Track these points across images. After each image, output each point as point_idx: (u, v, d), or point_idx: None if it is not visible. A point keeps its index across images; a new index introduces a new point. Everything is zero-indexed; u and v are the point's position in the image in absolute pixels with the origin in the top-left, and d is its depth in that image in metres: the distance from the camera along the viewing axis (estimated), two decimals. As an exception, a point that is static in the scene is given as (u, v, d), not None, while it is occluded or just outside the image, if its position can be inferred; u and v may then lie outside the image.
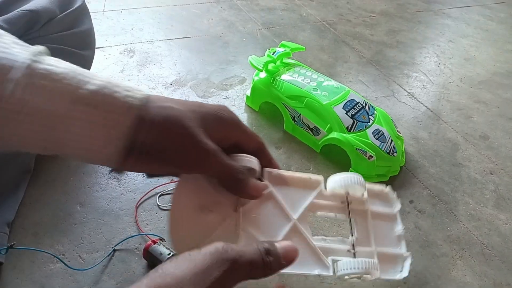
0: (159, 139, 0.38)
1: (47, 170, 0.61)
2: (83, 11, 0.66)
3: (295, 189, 0.43)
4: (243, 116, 0.78)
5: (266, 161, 0.45)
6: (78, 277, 0.50)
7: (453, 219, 0.64)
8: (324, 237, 0.41)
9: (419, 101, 0.89)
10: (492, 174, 0.72)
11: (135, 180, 0.62)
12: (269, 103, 0.76)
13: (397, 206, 0.43)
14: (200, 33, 1.03)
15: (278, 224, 0.41)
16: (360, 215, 0.41)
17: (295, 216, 0.41)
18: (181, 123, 0.39)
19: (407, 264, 0.39)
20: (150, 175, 0.44)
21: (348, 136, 0.67)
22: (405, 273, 0.39)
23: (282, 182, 0.44)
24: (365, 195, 0.42)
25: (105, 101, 0.35)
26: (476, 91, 0.95)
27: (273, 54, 0.75)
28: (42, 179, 0.60)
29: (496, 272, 0.56)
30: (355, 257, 0.39)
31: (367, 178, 0.67)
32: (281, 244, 0.34)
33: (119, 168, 0.39)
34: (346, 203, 0.42)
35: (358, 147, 0.65)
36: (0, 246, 0.49)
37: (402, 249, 0.40)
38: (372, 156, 0.65)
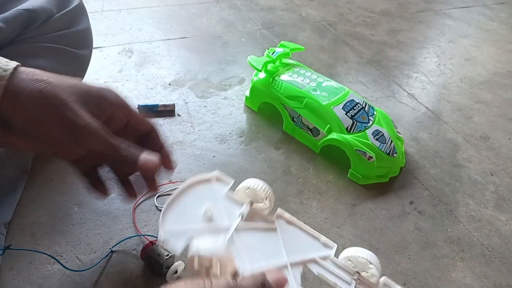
0: (28, 112, 0.35)
1: (44, 170, 0.61)
2: (81, 11, 0.66)
3: (304, 238, 0.44)
4: (242, 117, 0.78)
5: (157, 145, 0.45)
6: (75, 278, 0.49)
7: (454, 220, 0.63)
8: None
9: (419, 102, 0.88)
10: (492, 175, 0.72)
11: (133, 181, 0.61)
12: (268, 104, 0.76)
13: None
14: (199, 33, 1.02)
15: (269, 258, 0.42)
16: None
17: (289, 259, 0.42)
18: (56, 97, 0.36)
19: None
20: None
21: (348, 136, 0.66)
22: None
23: (291, 223, 0.45)
24: (376, 278, 0.42)
25: None
26: (477, 91, 0.94)
27: (272, 54, 0.75)
28: (39, 179, 0.60)
29: (497, 273, 0.56)
30: None
31: (367, 179, 0.67)
32: (272, 275, 0.33)
33: None
34: (356, 280, 0.42)
35: (357, 148, 0.65)
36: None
37: None
38: (372, 157, 0.65)
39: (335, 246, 0.44)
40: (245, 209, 0.45)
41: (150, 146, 0.44)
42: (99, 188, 0.46)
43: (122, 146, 0.40)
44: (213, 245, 0.38)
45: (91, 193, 0.47)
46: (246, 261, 0.41)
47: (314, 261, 0.43)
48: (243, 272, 0.38)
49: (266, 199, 0.46)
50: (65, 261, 0.51)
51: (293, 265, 0.42)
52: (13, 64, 0.36)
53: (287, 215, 0.46)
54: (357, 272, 0.42)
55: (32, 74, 0.37)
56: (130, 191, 0.47)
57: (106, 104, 0.41)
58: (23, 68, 0.36)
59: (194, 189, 0.46)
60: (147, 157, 0.41)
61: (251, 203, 0.46)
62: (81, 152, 0.40)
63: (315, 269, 0.43)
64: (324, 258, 0.43)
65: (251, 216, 0.45)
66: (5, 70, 0.35)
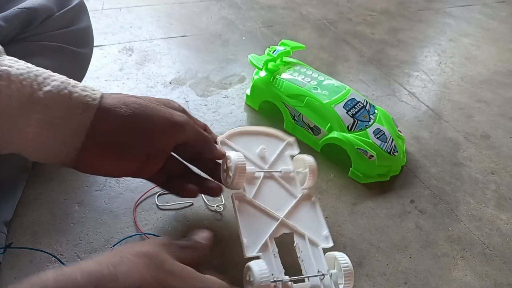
0: (121, 119, 0.39)
1: (45, 169, 0.61)
2: (81, 9, 0.65)
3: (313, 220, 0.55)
4: (243, 115, 0.78)
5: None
6: (76, 277, 0.49)
7: (454, 219, 0.63)
8: None
9: (420, 100, 0.88)
10: (493, 174, 0.72)
11: (134, 180, 0.61)
12: (269, 102, 0.76)
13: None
14: (200, 32, 1.02)
15: (270, 204, 0.52)
16: None
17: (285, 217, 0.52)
18: (147, 103, 0.41)
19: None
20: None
21: (349, 135, 0.66)
22: None
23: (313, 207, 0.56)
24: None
25: (62, 102, 0.36)
26: (477, 90, 0.94)
27: (273, 52, 0.75)
28: (40, 178, 0.60)
29: (498, 272, 0.56)
30: None
31: (368, 178, 0.67)
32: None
33: (76, 167, 0.40)
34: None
35: (358, 147, 0.65)
36: (-2, 246, 0.49)
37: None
38: (372, 156, 0.65)
39: (331, 244, 0.51)
40: (287, 169, 0.56)
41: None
42: (186, 191, 0.50)
43: (208, 135, 0.47)
44: (238, 158, 0.49)
45: (182, 197, 0.52)
46: (253, 192, 0.52)
47: (303, 236, 0.51)
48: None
49: (308, 176, 0.55)
50: (66, 259, 0.51)
51: (284, 223, 0.51)
52: (99, 90, 0.40)
53: (314, 198, 0.55)
54: (331, 275, 0.47)
55: (116, 94, 0.41)
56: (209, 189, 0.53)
57: (172, 106, 0.47)
58: (109, 93, 0.40)
59: (267, 136, 0.60)
60: (218, 148, 0.51)
61: (297, 172, 0.56)
62: (172, 146, 0.45)
63: (298, 240, 0.50)
64: (313, 242, 0.51)
65: (288, 178, 0.55)
66: (94, 99, 0.38)
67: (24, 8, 0.54)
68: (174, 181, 0.51)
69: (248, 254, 0.46)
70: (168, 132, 0.42)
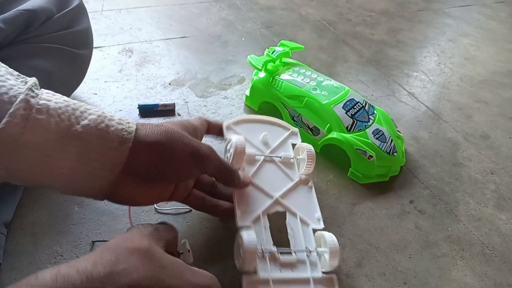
0: (155, 154, 0.40)
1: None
2: (81, 11, 0.66)
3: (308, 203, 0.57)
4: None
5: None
6: (76, 278, 0.49)
7: (454, 219, 0.63)
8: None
9: (419, 101, 0.88)
10: (492, 174, 0.72)
11: (134, 181, 0.62)
12: (269, 103, 0.76)
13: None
14: (199, 33, 1.02)
15: (267, 185, 0.55)
16: None
17: (280, 197, 0.54)
18: (174, 131, 0.43)
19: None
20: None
21: (348, 136, 0.66)
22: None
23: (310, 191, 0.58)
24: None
25: (100, 136, 0.37)
26: (477, 90, 0.95)
27: (272, 53, 0.75)
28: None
29: (497, 273, 0.56)
30: None
31: (367, 178, 0.67)
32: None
33: (109, 198, 0.42)
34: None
35: (358, 147, 0.65)
36: (-2, 247, 0.49)
37: None
38: (372, 156, 0.65)
39: (322, 226, 0.53)
40: (287, 154, 0.58)
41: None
42: (219, 210, 0.53)
43: (231, 166, 0.49)
44: (239, 141, 0.52)
45: (222, 217, 0.55)
46: (251, 172, 0.54)
47: (295, 215, 0.53)
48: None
49: (307, 163, 0.57)
50: (66, 261, 0.51)
51: (278, 202, 0.53)
52: (134, 123, 0.41)
53: (311, 183, 0.57)
54: (317, 252, 0.50)
55: (149, 125, 0.42)
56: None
57: (198, 132, 0.50)
58: (141, 124, 0.42)
59: (272, 125, 0.63)
60: (245, 174, 0.52)
61: (297, 159, 0.59)
62: (198, 176, 0.50)
63: (289, 219, 0.53)
64: (304, 222, 0.53)
65: (288, 163, 0.58)
66: (129, 133, 0.39)
67: (24, 10, 0.54)
68: (208, 202, 0.53)
69: (240, 223, 0.48)
70: (196, 163, 0.43)
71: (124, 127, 0.39)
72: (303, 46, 0.79)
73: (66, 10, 0.62)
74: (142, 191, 0.43)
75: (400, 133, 0.73)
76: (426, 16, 1.26)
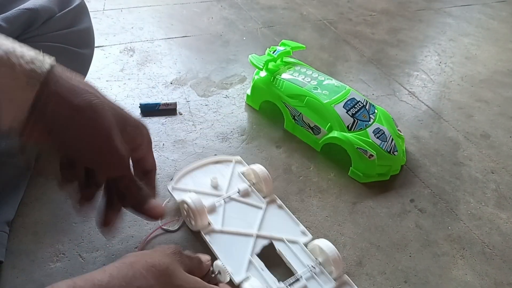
0: (68, 116, 0.36)
1: (47, 169, 0.61)
2: (82, 10, 0.66)
3: (285, 222, 0.56)
4: (243, 115, 0.78)
5: (151, 185, 0.47)
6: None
7: (454, 218, 0.63)
8: None
9: (420, 100, 0.89)
10: (493, 173, 0.72)
11: (135, 179, 0.62)
12: (270, 102, 0.76)
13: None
14: (200, 32, 1.02)
15: (242, 225, 0.54)
16: None
17: (259, 232, 0.53)
18: (102, 113, 0.38)
19: None
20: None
21: (349, 135, 0.66)
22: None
23: (280, 208, 0.57)
24: None
25: (11, 67, 0.34)
26: (477, 90, 0.95)
27: (273, 52, 0.75)
28: (42, 178, 0.60)
29: (497, 271, 0.56)
30: None
31: (368, 177, 0.67)
32: None
33: (21, 137, 0.37)
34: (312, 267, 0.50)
35: (358, 146, 0.65)
36: (0, 246, 0.49)
37: None
38: (372, 155, 0.65)
39: (310, 236, 0.53)
40: (243, 186, 0.58)
41: (145, 182, 0.46)
42: (86, 194, 0.44)
43: (138, 183, 0.42)
44: (194, 199, 0.51)
45: (75, 199, 0.45)
46: (219, 221, 0.53)
47: (281, 240, 0.52)
48: (214, 227, 0.52)
49: (263, 184, 0.57)
50: (68, 259, 0.51)
51: (260, 237, 0.52)
52: (47, 62, 0.37)
53: (279, 201, 0.57)
54: (320, 263, 0.49)
55: (66, 77, 0.38)
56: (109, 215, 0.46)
57: (138, 136, 0.43)
58: (59, 70, 0.38)
59: (214, 164, 0.62)
60: (156, 205, 0.44)
61: (253, 184, 0.58)
62: (103, 170, 0.41)
63: (279, 246, 0.51)
64: (293, 241, 0.52)
65: (248, 193, 0.58)
66: (45, 72, 0.36)
67: (25, 9, 0.54)
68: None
69: (238, 280, 0.47)
70: (96, 157, 0.39)
71: (36, 64, 0.36)
72: (304, 46, 0.79)
73: (67, 9, 0.62)
74: (45, 135, 0.38)
75: (400, 132, 0.73)
76: (426, 16, 1.26)
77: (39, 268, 0.50)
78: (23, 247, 0.52)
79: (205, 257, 0.44)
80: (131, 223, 0.56)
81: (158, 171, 0.63)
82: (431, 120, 0.83)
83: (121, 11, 1.07)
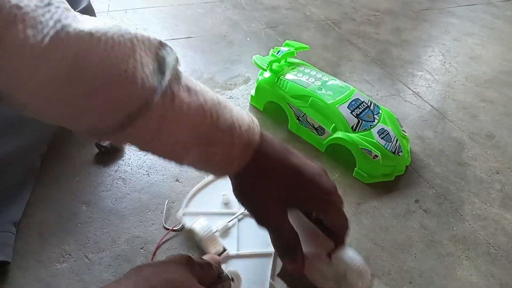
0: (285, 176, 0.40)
1: (52, 169, 0.62)
2: (89, 11, 0.66)
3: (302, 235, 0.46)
4: (247, 116, 0.78)
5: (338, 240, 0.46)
6: (84, 276, 0.50)
7: (459, 218, 0.63)
8: None
9: (424, 100, 0.88)
10: (498, 173, 0.72)
11: (140, 180, 0.62)
12: (274, 103, 0.76)
13: None
14: (204, 33, 1.03)
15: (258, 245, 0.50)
16: None
17: None
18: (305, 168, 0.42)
19: None
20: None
21: (353, 135, 0.66)
22: None
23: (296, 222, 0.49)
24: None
25: (238, 134, 0.38)
26: (482, 90, 0.94)
27: (277, 53, 0.75)
28: (47, 178, 0.60)
29: (503, 272, 0.56)
30: None
31: (372, 178, 0.67)
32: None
33: (233, 179, 0.42)
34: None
35: (363, 147, 0.65)
36: (7, 246, 0.49)
37: None
38: (377, 156, 0.65)
39: (332, 245, 0.45)
40: None
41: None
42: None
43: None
44: (203, 226, 0.50)
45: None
46: (234, 245, 0.51)
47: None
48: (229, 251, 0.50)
49: None
50: (74, 260, 0.51)
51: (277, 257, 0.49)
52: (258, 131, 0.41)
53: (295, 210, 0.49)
54: (345, 275, 0.43)
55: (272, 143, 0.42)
56: None
57: (307, 198, 0.43)
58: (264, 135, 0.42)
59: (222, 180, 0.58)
60: None
61: None
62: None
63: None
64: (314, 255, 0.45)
65: None
66: (258, 140, 0.40)
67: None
68: None
69: None
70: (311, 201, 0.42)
71: (251, 131, 0.40)
72: (308, 46, 0.79)
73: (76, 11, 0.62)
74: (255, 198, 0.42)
75: (405, 132, 0.73)
76: (430, 15, 1.26)
77: (45, 269, 0.50)
78: (29, 247, 0.52)
79: (214, 258, 0.44)
80: (136, 224, 0.56)
81: (163, 172, 0.64)
82: (435, 120, 0.83)
83: (126, 12, 1.07)
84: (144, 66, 0.30)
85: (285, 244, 0.41)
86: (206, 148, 0.36)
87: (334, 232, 0.44)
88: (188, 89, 0.34)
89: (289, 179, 0.41)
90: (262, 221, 0.41)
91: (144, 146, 0.35)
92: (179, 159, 0.37)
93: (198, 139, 0.35)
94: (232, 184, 0.42)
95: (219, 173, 0.40)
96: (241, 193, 0.42)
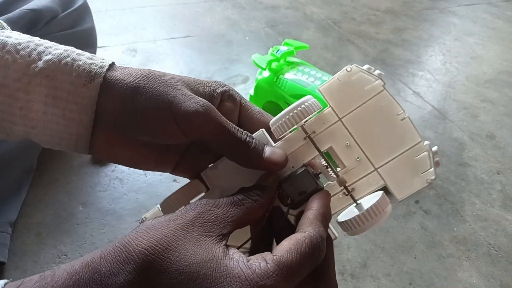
0: (131, 102, 0.31)
1: (49, 170, 0.61)
2: (85, 10, 0.66)
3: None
4: (246, 115, 0.78)
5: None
6: (80, 277, 0.49)
7: (460, 219, 0.63)
8: None
9: (424, 100, 0.88)
10: (499, 174, 0.72)
11: (138, 180, 0.62)
12: (273, 102, 0.75)
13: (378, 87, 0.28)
14: (203, 32, 1.02)
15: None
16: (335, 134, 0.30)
17: None
18: (156, 78, 0.32)
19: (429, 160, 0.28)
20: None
21: (353, 135, 0.66)
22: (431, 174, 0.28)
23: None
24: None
25: (64, 71, 0.31)
26: (483, 90, 0.94)
27: (276, 52, 0.75)
28: (44, 179, 0.60)
29: (503, 273, 0.56)
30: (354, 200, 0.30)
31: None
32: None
33: (91, 151, 0.33)
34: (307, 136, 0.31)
35: (362, 147, 0.65)
36: (3, 246, 0.49)
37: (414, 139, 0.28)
38: (377, 156, 0.64)
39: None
40: None
41: None
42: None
43: (239, 133, 0.32)
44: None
45: None
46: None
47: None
48: None
49: None
50: (70, 260, 0.51)
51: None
52: (109, 61, 0.33)
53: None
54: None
55: (129, 68, 0.33)
56: None
57: (202, 86, 0.34)
58: (118, 66, 0.33)
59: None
60: (274, 149, 0.32)
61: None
62: (183, 141, 0.32)
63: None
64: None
65: None
66: (101, 67, 0.32)
67: (28, 9, 0.54)
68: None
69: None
70: (178, 122, 0.31)
71: (94, 61, 0.32)
72: (307, 45, 0.78)
73: (70, 10, 0.62)
74: (121, 148, 0.33)
75: (405, 132, 0.73)
76: (431, 15, 1.25)
77: (42, 269, 0.50)
78: (26, 248, 0.52)
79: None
80: (133, 224, 0.56)
81: (160, 172, 0.63)
82: (436, 120, 0.83)
83: (124, 11, 1.07)
84: None
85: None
86: None
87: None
88: None
89: None
90: None
91: None
92: None
93: None
94: None
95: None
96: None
